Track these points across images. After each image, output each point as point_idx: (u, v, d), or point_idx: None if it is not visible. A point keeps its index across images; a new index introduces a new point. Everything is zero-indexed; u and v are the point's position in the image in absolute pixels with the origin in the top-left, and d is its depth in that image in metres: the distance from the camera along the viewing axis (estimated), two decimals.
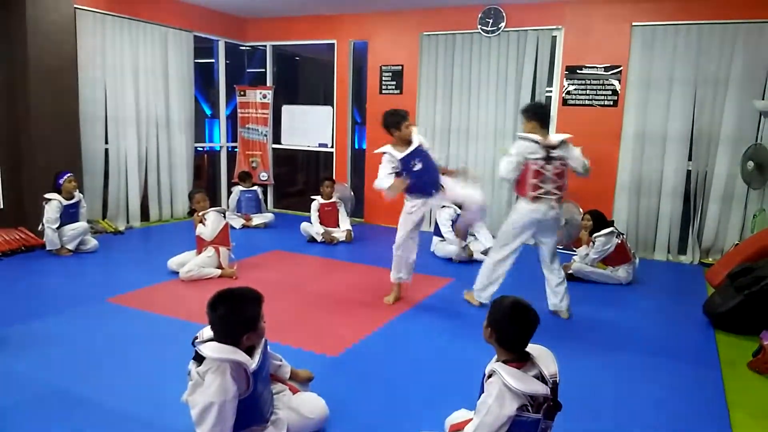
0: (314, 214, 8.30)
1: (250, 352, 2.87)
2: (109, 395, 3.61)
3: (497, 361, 2.70)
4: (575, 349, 4.64)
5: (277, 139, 10.79)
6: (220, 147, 10.76)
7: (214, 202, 8.27)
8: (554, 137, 5.19)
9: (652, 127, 7.72)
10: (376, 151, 5.65)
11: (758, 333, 4.58)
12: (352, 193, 9.71)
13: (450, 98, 8.93)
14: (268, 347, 3.12)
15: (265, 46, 10.63)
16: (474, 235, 7.64)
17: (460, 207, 6.90)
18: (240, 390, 2.78)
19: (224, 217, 6.57)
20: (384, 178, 5.45)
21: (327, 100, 10.25)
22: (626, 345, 4.82)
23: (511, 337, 2.67)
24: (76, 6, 7.67)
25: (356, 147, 10.34)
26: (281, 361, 3.37)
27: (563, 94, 8.14)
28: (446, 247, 7.48)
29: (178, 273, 6.21)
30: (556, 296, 5.40)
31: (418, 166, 5.42)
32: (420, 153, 5.48)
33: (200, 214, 6.41)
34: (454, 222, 7.45)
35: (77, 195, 7.15)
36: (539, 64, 8.31)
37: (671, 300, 6.22)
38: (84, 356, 4.21)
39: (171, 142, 9.39)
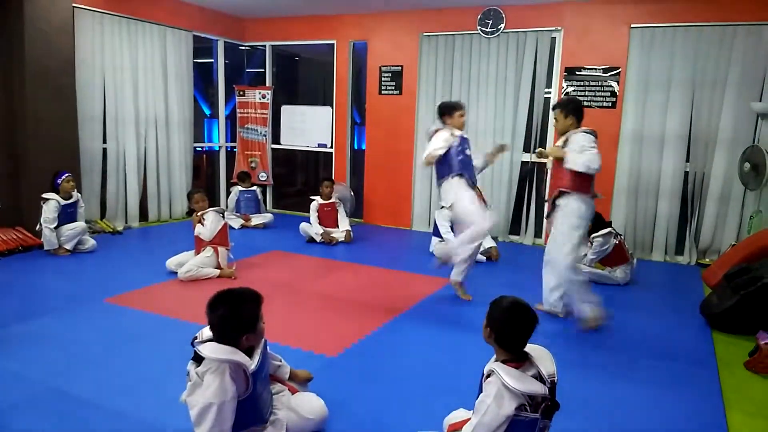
0: (313, 215, 8.31)
1: (249, 352, 2.87)
2: (107, 395, 3.61)
3: (496, 360, 2.71)
4: (573, 349, 4.66)
5: (276, 139, 10.79)
6: (219, 147, 10.76)
7: (213, 202, 8.28)
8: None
9: (650, 128, 7.74)
10: (431, 129, 5.76)
11: (755, 333, 4.61)
12: (352, 193, 9.72)
13: (449, 98, 8.90)
14: (268, 347, 3.12)
15: (265, 46, 10.63)
16: None
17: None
18: (239, 390, 2.78)
19: (223, 217, 6.58)
20: (440, 143, 5.49)
21: (326, 101, 10.25)
22: (623, 345, 4.84)
23: (510, 337, 2.68)
24: (74, 5, 7.66)
25: (356, 147, 10.35)
26: (280, 361, 3.37)
27: (562, 96, 8.15)
28: (445, 247, 7.48)
29: (176, 273, 6.22)
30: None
31: (468, 152, 5.63)
32: (468, 142, 5.70)
33: (199, 214, 6.41)
34: (452, 224, 7.43)
35: (75, 195, 7.16)
36: (538, 65, 8.33)
37: (668, 300, 6.23)
38: (82, 356, 4.21)
39: (170, 142, 9.39)
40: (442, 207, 7.59)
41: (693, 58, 7.44)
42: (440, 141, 5.51)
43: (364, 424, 3.39)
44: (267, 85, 10.67)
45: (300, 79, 12.22)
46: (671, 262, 7.90)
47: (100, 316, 5.05)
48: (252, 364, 2.82)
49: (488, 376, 2.65)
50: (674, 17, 7.44)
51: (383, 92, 9.47)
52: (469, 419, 2.72)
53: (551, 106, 5.34)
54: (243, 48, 10.91)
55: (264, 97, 10.54)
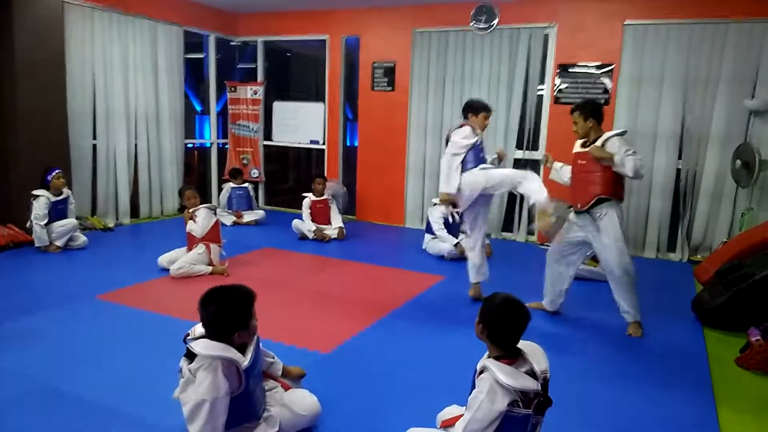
0: (306, 212, 8.29)
1: (242, 349, 2.88)
2: (99, 392, 3.60)
3: (489, 357, 2.72)
4: (565, 346, 4.67)
5: (268, 135, 10.76)
6: (211, 143, 10.72)
7: (205, 199, 8.26)
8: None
9: (643, 125, 7.75)
10: (454, 127, 5.50)
11: (746, 329, 4.61)
12: (345, 189, 9.72)
13: (442, 95, 8.93)
14: (260, 344, 3.12)
15: (256, 41, 10.59)
16: (465, 233, 7.64)
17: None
18: (232, 387, 2.78)
19: (215, 214, 6.56)
20: (466, 140, 5.31)
21: (319, 97, 10.23)
22: (615, 341, 4.85)
23: (503, 334, 2.68)
24: (63, 0, 7.63)
25: (348, 144, 10.33)
26: (273, 358, 3.38)
27: (555, 92, 8.16)
28: (438, 244, 7.49)
29: (168, 270, 6.20)
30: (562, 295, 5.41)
31: (482, 155, 5.46)
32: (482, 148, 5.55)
33: (191, 210, 6.39)
34: (446, 220, 7.44)
35: (66, 191, 7.12)
36: (531, 62, 8.32)
37: (660, 297, 6.24)
38: (73, 353, 4.19)
39: (160, 138, 9.34)
40: (435, 203, 7.64)
41: (686, 55, 7.45)
42: (466, 135, 5.33)
43: (357, 421, 3.39)
44: (259, 81, 10.63)
45: (292, 75, 12.20)
46: (663, 258, 7.92)
47: (92, 314, 5.02)
48: (245, 360, 2.82)
49: (481, 372, 2.66)
50: (668, 14, 7.45)
51: (376, 88, 9.45)
52: (462, 415, 2.73)
53: (570, 110, 5.21)
54: (234, 43, 10.86)
55: (256, 93, 10.51)
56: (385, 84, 9.36)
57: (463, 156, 5.31)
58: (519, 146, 8.52)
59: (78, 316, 4.96)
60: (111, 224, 8.47)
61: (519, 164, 8.47)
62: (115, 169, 8.68)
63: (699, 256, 7.71)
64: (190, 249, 6.39)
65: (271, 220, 9.46)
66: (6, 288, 5.66)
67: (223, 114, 10.92)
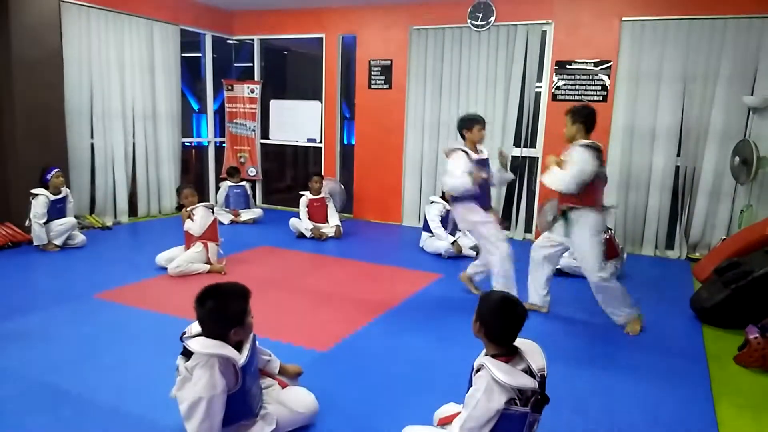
0: (303, 210, 8.28)
1: (238, 347, 2.88)
2: (97, 391, 3.60)
3: (486, 355, 2.72)
4: (563, 343, 4.67)
5: (265, 134, 10.75)
6: (208, 142, 10.70)
7: (202, 197, 8.25)
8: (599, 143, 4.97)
9: (641, 122, 7.74)
10: (447, 148, 5.51)
11: (744, 327, 4.61)
12: (342, 186, 9.71)
13: (439, 93, 8.92)
14: (257, 342, 3.12)
15: (253, 40, 10.58)
16: (463, 231, 7.65)
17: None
18: (229, 385, 2.79)
19: (212, 212, 6.56)
20: (461, 176, 5.19)
21: (315, 95, 10.22)
22: (613, 339, 4.85)
23: (500, 332, 2.68)
24: None
25: (345, 142, 10.32)
26: (270, 356, 3.37)
27: (553, 89, 8.15)
28: (435, 242, 7.48)
29: (166, 268, 6.20)
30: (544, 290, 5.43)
31: (484, 174, 5.33)
32: (487, 164, 5.50)
33: (188, 209, 6.39)
34: (443, 218, 7.44)
35: (64, 190, 7.12)
36: (529, 59, 8.32)
37: (658, 294, 6.24)
38: (72, 352, 4.19)
39: (158, 137, 9.34)
40: (432, 202, 7.64)
41: (684, 52, 7.44)
42: (461, 168, 5.24)
43: (354, 418, 3.39)
44: (256, 79, 10.62)
45: (289, 74, 12.19)
46: (661, 256, 7.91)
47: (90, 312, 5.02)
48: (241, 358, 2.82)
49: (478, 370, 2.66)
50: (665, 10, 7.44)
51: (372, 86, 9.44)
52: (459, 413, 2.72)
53: (565, 111, 5.18)
54: (231, 42, 10.86)
55: (253, 91, 10.49)
56: (382, 82, 9.35)
57: (469, 182, 5.20)
58: (517, 144, 8.51)
59: (76, 314, 4.95)
60: (109, 223, 8.47)
61: (516, 161, 8.45)
62: (113, 167, 8.68)
63: (697, 254, 7.70)
64: (187, 247, 6.39)
65: (268, 219, 9.45)
66: (5, 287, 5.66)
67: (220, 112, 10.91)
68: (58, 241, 6.97)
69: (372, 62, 9.40)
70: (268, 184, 11.33)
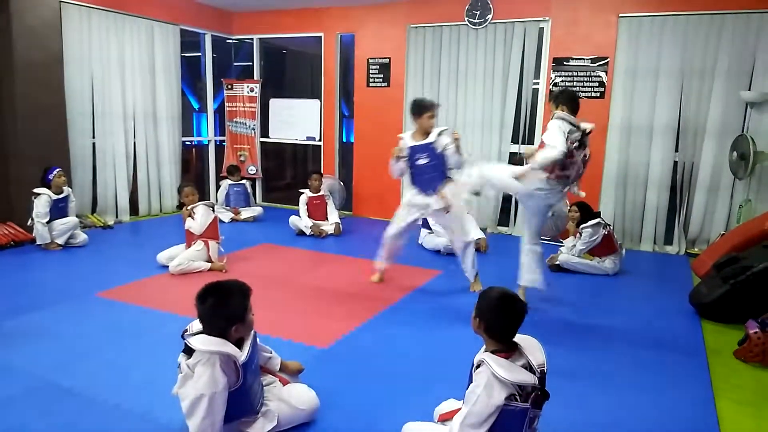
0: (303, 208, 8.30)
1: (239, 344, 2.89)
2: (99, 389, 3.61)
3: (485, 351, 2.72)
4: (562, 340, 4.68)
5: (265, 132, 10.76)
6: (208, 141, 10.72)
7: (203, 196, 8.24)
8: (587, 124, 4.92)
9: (639, 118, 7.75)
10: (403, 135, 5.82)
11: (744, 322, 4.62)
12: (342, 183, 9.72)
13: (437, 90, 8.92)
14: (258, 339, 3.13)
15: (252, 39, 10.58)
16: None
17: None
18: (230, 382, 2.80)
19: (213, 210, 6.56)
20: (393, 162, 5.70)
21: (314, 94, 10.23)
22: (613, 335, 4.86)
23: (499, 328, 2.69)
24: (61, 0, 7.62)
25: (344, 140, 10.33)
26: (271, 353, 3.38)
27: (550, 86, 8.15)
28: (434, 239, 7.50)
29: (167, 267, 6.21)
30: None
31: (422, 161, 5.52)
32: (429, 149, 5.59)
33: (189, 207, 6.40)
34: None
35: (66, 190, 7.14)
36: (526, 56, 8.31)
37: (657, 290, 6.26)
38: (74, 350, 4.20)
39: (158, 136, 9.36)
40: None
41: (681, 48, 7.44)
42: (395, 151, 5.70)
43: (355, 415, 3.40)
44: (255, 78, 10.62)
45: (288, 73, 12.20)
46: (660, 252, 7.92)
47: (92, 311, 5.04)
48: (242, 355, 2.83)
49: (478, 366, 2.66)
50: (662, 6, 7.44)
51: (371, 85, 9.45)
52: (460, 409, 2.73)
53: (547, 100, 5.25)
54: (230, 41, 10.87)
55: (252, 90, 10.50)
56: (381, 80, 9.36)
57: (404, 162, 5.70)
58: (515, 140, 8.52)
59: (79, 313, 4.97)
60: (111, 222, 8.48)
61: (514, 158, 8.45)
62: (114, 167, 8.70)
63: (696, 249, 7.71)
64: (188, 246, 6.40)
65: (268, 217, 9.46)
66: (7, 286, 5.68)
67: (220, 111, 10.91)
68: (60, 240, 6.99)
69: (370, 60, 9.41)
70: (268, 182, 11.34)
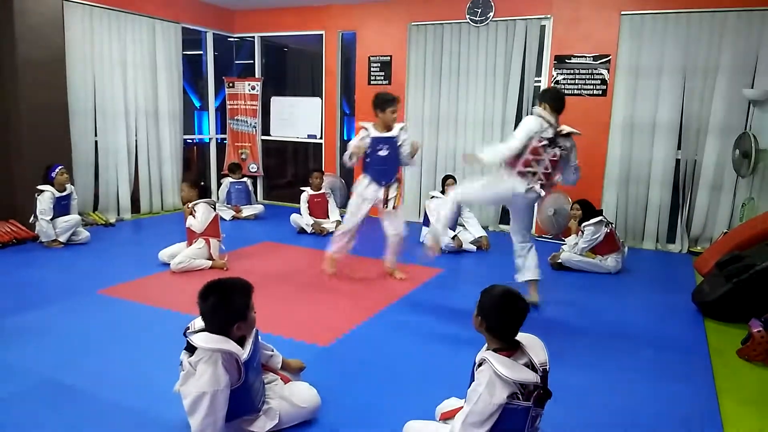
0: (304, 206, 8.30)
1: (241, 342, 2.89)
2: (101, 386, 3.61)
3: (487, 349, 2.71)
4: (564, 338, 4.67)
5: (266, 130, 10.76)
6: (210, 139, 10.72)
7: (204, 194, 8.23)
8: (565, 127, 5.02)
9: (641, 116, 7.74)
10: (360, 123, 5.98)
11: (747, 321, 4.61)
12: (343, 181, 9.72)
13: (439, 88, 8.92)
14: (259, 337, 3.13)
15: (254, 37, 10.58)
16: (463, 225, 7.66)
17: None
18: (232, 380, 2.80)
19: (214, 208, 6.56)
20: (350, 147, 5.85)
21: (316, 92, 10.23)
22: (615, 334, 4.85)
23: (501, 326, 2.68)
24: None
25: (345, 138, 10.31)
26: (272, 351, 3.38)
27: (552, 84, 8.14)
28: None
29: (168, 264, 6.22)
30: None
31: (383, 152, 5.80)
32: (391, 142, 5.83)
33: (190, 205, 6.39)
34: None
35: (69, 187, 7.15)
36: (528, 54, 8.31)
37: (660, 289, 6.25)
38: (76, 348, 4.20)
39: (160, 134, 9.37)
40: (433, 196, 7.64)
41: (684, 45, 7.42)
42: (354, 142, 5.86)
43: (356, 413, 3.40)
44: (256, 76, 10.62)
45: (289, 71, 12.18)
46: (663, 250, 7.91)
47: (94, 308, 5.04)
48: (244, 353, 2.83)
49: (480, 364, 2.65)
50: (664, 4, 7.43)
51: (372, 82, 9.44)
52: (461, 408, 2.72)
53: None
54: (232, 39, 10.86)
55: (253, 88, 10.50)
56: (382, 78, 9.35)
57: (354, 158, 5.89)
58: None
59: (80, 310, 4.97)
60: (112, 219, 8.50)
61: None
62: (115, 165, 8.72)
63: (699, 248, 7.70)
64: (190, 244, 6.40)
65: (269, 215, 9.46)
66: (9, 283, 5.68)
67: (221, 109, 10.91)
68: (62, 238, 7.00)
69: (371, 58, 9.40)
70: (269, 180, 11.34)
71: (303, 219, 8.22)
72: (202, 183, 6.97)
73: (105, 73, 8.40)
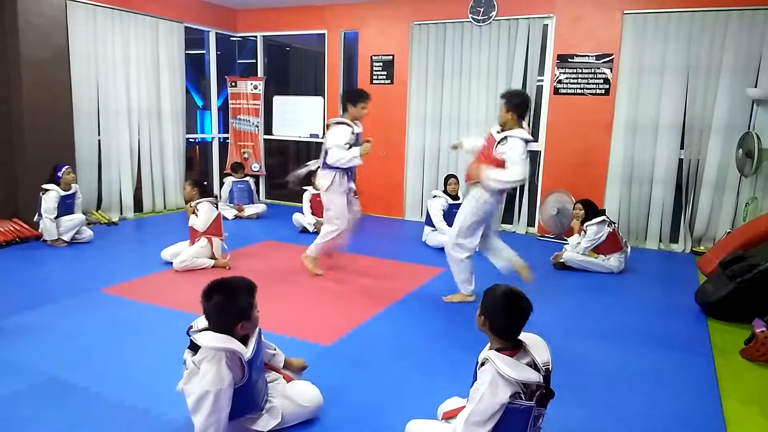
0: (306, 205, 8.31)
1: (244, 341, 2.89)
2: (104, 385, 3.61)
3: (490, 349, 2.71)
4: (567, 338, 4.66)
5: (268, 129, 10.76)
6: (212, 138, 10.73)
7: (207, 193, 8.24)
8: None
9: (644, 115, 7.72)
10: (336, 120, 5.95)
11: (750, 321, 4.60)
12: None
13: (441, 87, 8.92)
14: (262, 336, 3.13)
15: (256, 36, 10.59)
16: None
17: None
18: (235, 378, 2.80)
19: (216, 207, 6.57)
20: (345, 148, 5.78)
21: (318, 91, 10.23)
22: (618, 333, 4.84)
23: (504, 325, 2.68)
24: None
25: None
26: (275, 350, 3.38)
27: (554, 83, 8.14)
28: (438, 236, 7.47)
29: (171, 263, 6.23)
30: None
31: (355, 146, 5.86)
32: (359, 135, 5.96)
33: (192, 204, 6.40)
34: (445, 212, 7.44)
35: (74, 186, 7.18)
36: (530, 53, 8.29)
37: (663, 288, 6.24)
38: (79, 346, 4.21)
39: (162, 133, 9.37)
40: (435, 196, 7.64)
41: (687, 44, 7.41)
42: (344, 140, 5.80)
43: (358, 412, 3.40)
44: (259, 75, 10.63)
45: (291, 70, 12.19)
46: (666, 250, 7.90)
47: (97, 307, 5.05)
48: (247, 352, 2.83)
49: (483, 364, 2.65)
50: (667, 3, 7.41)
51: (374, 82, 9.44)
52: (464, 407, 2.72)
53: (500, 94, 5.36)
54: (234, 39, 10.87)
55: (256, 87, 10.50)
56: (384, 77, 9.35)
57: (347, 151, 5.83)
58: None
59: (83, 309, 4.98)
60: (115, 218, 8.51)
61: None
62: (118, 164, 8.73)
63: (702, 247, 7.69)
64: (192, 242, 6.41)
65: (272, 214, 9.47)
66: (13, 282, 5.70)
67: (224, 109, 10.93)
68: (66, 237, 7.03)
69: (374, 58, 9.40)
70: (272, 179, 11.34)
71: (305, 218, 8.24)
72: (205, 183, 6.98)
73: (108, 73, 8.41)
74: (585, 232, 6.62)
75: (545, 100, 8.31)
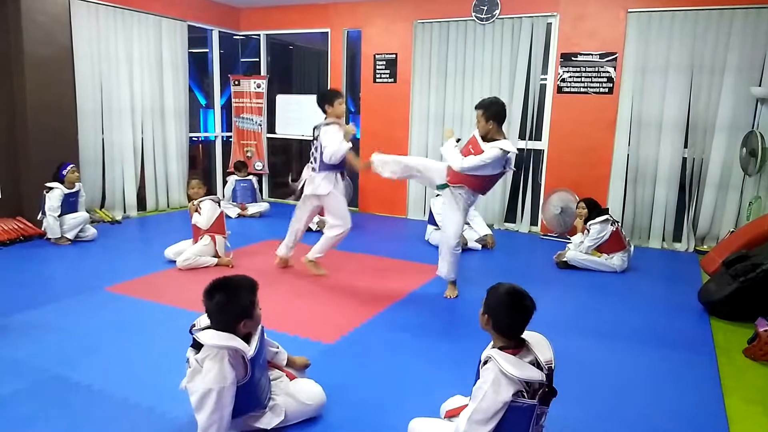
0: None
1: (247, 339, 2.90)
2: (107, 383, 3.62)
3: (493, 347, 2.71)
4: (570, 337, 4.66)
5: (271, 128, 10.76)
6: (215, 137, 10.74)
7: (210, 191, 8.27)
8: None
9: (648, 114, 7.71)
10: (325, 122, 6.07)
11: (753, 320, 4.60)
12: (349, 179, 9.70)
13: (444, 86, 8.91)
14: (265, 334, 3.13)
15: (259, 35, 10.59)
16: (468, 223, 7.65)
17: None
18: (238, 376, 2.81)
19: (219, 205, 6.57)
20: (342, 143, 5.85)
21: (321, 90, 10.21)
22: (621, 332, 4.84)
23: (508, 324, 2.67)
24: None
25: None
26: (278, 348, 3.39)
27: (558, 82, 8.13)
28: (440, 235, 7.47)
29: (174, 262, 6.24)
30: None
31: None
32: None
33: (195, 202, 6.41)
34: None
35: (77, 185, 7.20)
36: (534, 52, 8.27)
37: (666, 287, 6.23)
38: (82, 344, 4.22)
39: (166, 132, 9.38)
40: (438, 194, 7.62)
41: (691, 43, 7.39)
42: (338, 137, 5.88)
43: (361, 410, 3.40)
44: (262, 74, 10.63)
45: (294, 68, 12.19)
46: (669, 249, 7.89)
47: (101, 305, 5.06)
48: (250, 350, 2.84)
49: (485, 362, 2.65)
50: (672, 1, 7.39)
51: (378, 80, 9.44)
52: (466, 405, 2.72)
53: (475, 105, 5.40)
54: (237, 37, 10.87)
55: (259, 86, 10.51)
56: (387, 76, 9.34)
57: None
58: (522, 137, 8.48)
59: (87, 307, 4.99)
60: (118, 217, 8.52)
61: (521, 154, 8.41)
62: (121, 163, 8.74)
63: (705, 246, 7.68)
64: (195, 241, 6.42)
65: (274, 212, 9.47)
66: (16, 280, 5.71)
67: (227, 107, 10.93)
68: (70, 235, 7.05)
69: (377, 56, 9.39)
70: (275, 177, 11.34)
71: None
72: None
73: (111, 71, 8.42)
74: (588, 231, 6.62)
75: (548, 99, 8.29)
